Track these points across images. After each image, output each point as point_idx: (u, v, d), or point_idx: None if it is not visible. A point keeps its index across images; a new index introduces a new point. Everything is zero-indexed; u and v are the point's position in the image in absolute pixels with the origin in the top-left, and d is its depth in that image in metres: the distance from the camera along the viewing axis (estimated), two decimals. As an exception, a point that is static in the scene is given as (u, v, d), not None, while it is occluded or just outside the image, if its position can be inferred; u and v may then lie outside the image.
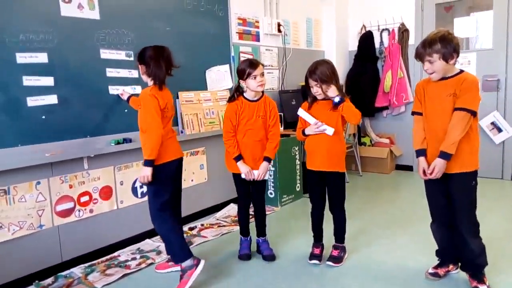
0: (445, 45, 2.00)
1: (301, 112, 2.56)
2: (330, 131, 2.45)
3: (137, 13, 3.00)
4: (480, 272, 2.19)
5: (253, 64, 2.53)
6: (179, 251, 2.34)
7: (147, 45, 2.35)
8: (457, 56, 2.05)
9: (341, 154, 2.55)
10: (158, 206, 2.35)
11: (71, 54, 2.63)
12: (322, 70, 2.41)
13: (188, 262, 2.30)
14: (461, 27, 4.73)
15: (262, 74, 2.56)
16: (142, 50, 2.35)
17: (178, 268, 2.36)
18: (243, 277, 2.49)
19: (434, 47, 2.01)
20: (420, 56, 2.09)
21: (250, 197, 2.77)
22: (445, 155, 2.06)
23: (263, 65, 2.62)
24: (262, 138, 2.64)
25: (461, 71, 2.10)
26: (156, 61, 2.29)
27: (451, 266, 2.37)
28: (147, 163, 2.22)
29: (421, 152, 2.18)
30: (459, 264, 2.34)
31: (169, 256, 2.60)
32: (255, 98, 2.62)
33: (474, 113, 2.03)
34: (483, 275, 2.19)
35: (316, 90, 2.45)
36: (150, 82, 2.34)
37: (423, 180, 2.23)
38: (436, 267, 2.37)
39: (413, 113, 2.27)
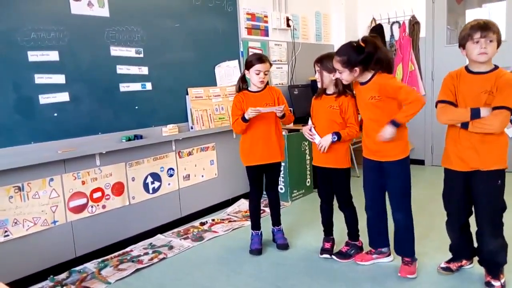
0: (498, 31, 1.96)
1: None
2: (317, 139, 2.47)
3: (146, 10, 3.01)
4: (497, 268, 2.15)
5: (261, 59, 2.55)
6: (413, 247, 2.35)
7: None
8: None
9: (345, 151, 2.50)
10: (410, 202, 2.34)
11: (81, 51, 2.66)
12: None
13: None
14: (473, 19, 4.64)
15: (266, 73, 2.57)
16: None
17: (382, 260, 2.45)
18: (254, 272, 2.50)
19: (494, 28, 1.95)
20: (486, 28, 1.96)
21: (262, 190, 2.79)
22: (475, 112, 1.95)
23: (271, 64, 2.63)
24: (275, 128, 2.66)
25: (496, 67, 2.00)
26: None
27: (464, 261, 2.34)
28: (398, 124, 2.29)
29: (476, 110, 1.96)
30: (473, 259, 2.31)
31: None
32: (259, 89, 2.65)
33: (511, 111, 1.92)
34: (500, 271, 2.14)
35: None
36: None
37: (444, 175, 2.19)
38: (448, 262, 2.35)
39: (442, 101, 2.07)
